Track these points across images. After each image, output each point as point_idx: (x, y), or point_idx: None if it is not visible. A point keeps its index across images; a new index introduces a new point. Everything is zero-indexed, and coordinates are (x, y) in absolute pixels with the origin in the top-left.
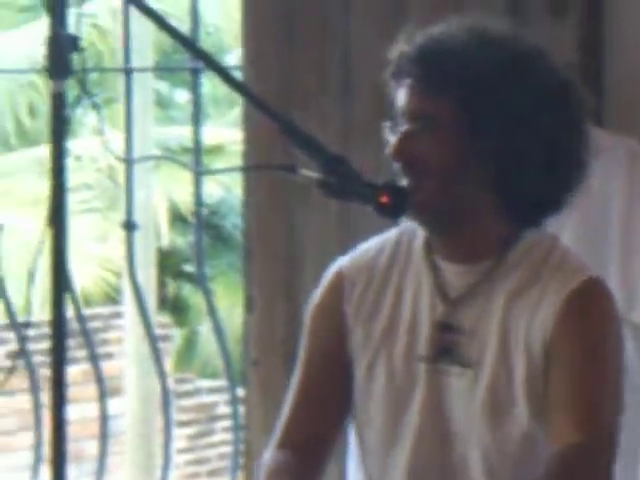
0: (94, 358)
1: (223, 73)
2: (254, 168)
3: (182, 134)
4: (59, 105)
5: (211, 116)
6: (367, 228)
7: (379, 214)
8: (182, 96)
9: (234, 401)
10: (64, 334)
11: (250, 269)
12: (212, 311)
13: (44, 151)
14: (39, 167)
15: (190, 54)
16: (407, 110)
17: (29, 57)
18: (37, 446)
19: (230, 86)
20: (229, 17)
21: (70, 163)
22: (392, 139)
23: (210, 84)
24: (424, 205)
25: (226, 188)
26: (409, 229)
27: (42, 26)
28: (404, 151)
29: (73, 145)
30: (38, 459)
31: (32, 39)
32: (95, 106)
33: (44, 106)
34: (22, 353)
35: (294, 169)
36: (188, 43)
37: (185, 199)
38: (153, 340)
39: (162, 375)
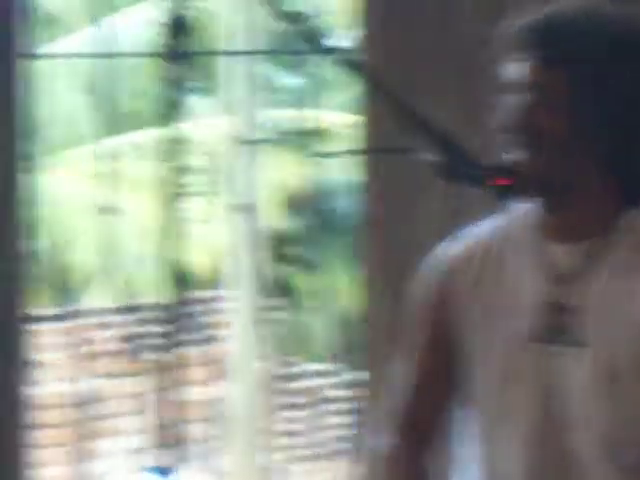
0: (204, 341)
1: (341, 56)
2: (373, 151)
3: (288, 117)
4: (174, 88)
5: (319, 99)
6: (483, 211)
7: (496, 197)
8: (288, 79)
9: (347, 385)
10: (177, 318)
11: (365, 252)
12: (326, 297)
13: (148, 134)
14: (142, 150)
15: (305, 37)
16: (519, 82)
17: (134, 41)
18: (145, 429)
19: (349, 69)
20: None
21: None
22: (503, 111)
23: (318, 67)
24: (534, 176)
25: (335, 171)
26: (515, 212)
27: (147, 9)
28: (516, 121)
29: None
30: (146, 442)
31: (137, 22)
32: (209, 89)
33: (149, 89)
34: (133, 337)
35: (412, 152)
36: (303, 26)
37: (291, 182)
38: (261, 324)
39: (270, 359)
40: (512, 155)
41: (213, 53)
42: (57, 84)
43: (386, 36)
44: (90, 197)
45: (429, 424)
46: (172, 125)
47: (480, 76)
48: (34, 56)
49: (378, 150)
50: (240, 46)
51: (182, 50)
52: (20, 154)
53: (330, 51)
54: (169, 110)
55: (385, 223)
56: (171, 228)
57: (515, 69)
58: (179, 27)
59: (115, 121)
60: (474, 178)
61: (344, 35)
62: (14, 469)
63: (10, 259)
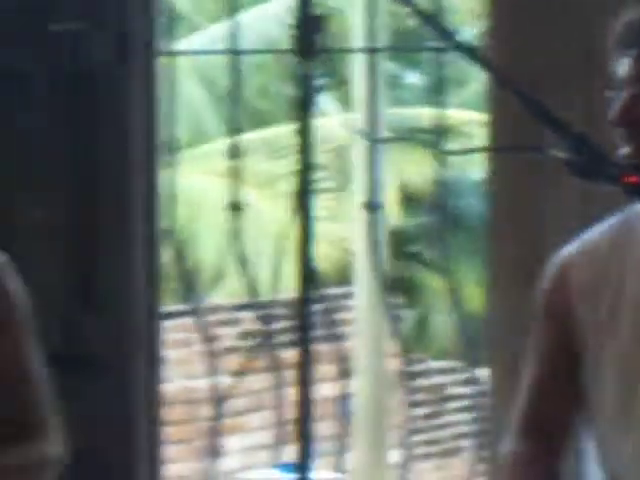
0: (331, 339)
1: (472, 53)
2: (500, 149)
3: (411, 115)
4: (306, 85)
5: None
6: (611, 209)
7: (627, 194)
8: (412, 77)
9: (472, 382)
10: (309, 314)
11: (491, 250)
12: (454, 296)
13: (274, 132)
14: (269, 148)
15: (436, 34)
16: (632, 76)
17: (262, 37)
18: (278, 426)
19: (479, 66)
20: None
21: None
22: (614, 106)
23: (443, 64)
24: None
25: (456, 168)
26: (631, 213)
27: (271, 7)
28: (627, 114)
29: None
30: (279, 439)
31: (264, 19)
32: (334, 87)
33: (274, 87)
34: (261, 334)
35: (541, 149)
36: (435, 23)
37: (415, 179)
38: (388, 321)
39: (394, 356)
40: (623, 150)
41: (344, 50)
42: (183, 81)
43: (513, 32)
44: (217, 194)
45: (554, 427)
46: (301, 122)
47: (606, 75)
48: (170, 53)
49: (506, 148)
50: (364, 44)
51: (314, 47)
52: (157, 152)
53: (460, 47)
54: (299, 107)
55: (511, 221)
56: (300, 225)
57: (623, 64)
58: (311, 24)
59: (241, 118)
60: (608, 176)
61: (469, 31)
62: (147, 465)
63: (147, 255)
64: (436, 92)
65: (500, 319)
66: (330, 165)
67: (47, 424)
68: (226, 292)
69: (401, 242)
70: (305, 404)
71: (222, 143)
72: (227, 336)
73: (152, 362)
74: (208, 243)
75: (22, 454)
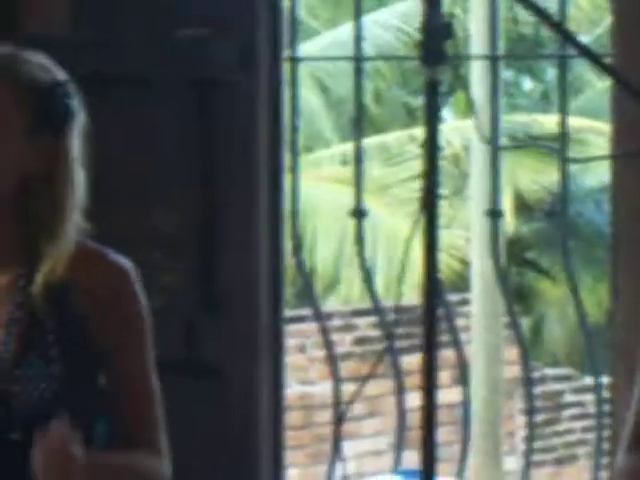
0: (453, 345)
1: (598, 60)
2: (627, 156)
3: (525, 122)
4: (433, 92)
5: (554, 104)
6: None
7: None
8: (527, 84)
9: (587, 390)
10: (434, 320)
11: (617, 256)
12: (576, 304)
13: (387, 138)
14: (384, 154)
15: (565, 42)
16: None
17: (373, 44)
18: (400, 431)
19: (605, 73)
20: (574, 4)
21: (416, 150)
22: None
23: (553, 72)
24: None
25: (570, 175)
26: None
27: (385, 14)
28: None
29: (418, 132)
30: (400, 445)
31: (377, 26)
32: (453, 93)
33: (389, 93)
34: (376, 339)
35: None
36: (562, 30)
37: (528, 186)
38: (501, 328)
39: (510, 363)
40: None
41: (469, 57)
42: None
43: (636, 38)
44: (330, 200)
45: None
46: (428, 129)
47: None
48: (296, 60)
49: (630, 154)
50: (482, 51)
51: (442, 54)
52: (282, 159)
53: (587, 54)
54: (425, 115)
55: (635, 231)
56: (424, 232)
57: None
58: (439, 31)
59: (357, 124)
60: None
61: (584, 38)
62: (271, 470)
63: (271, 260)
64: (559, 99)
65: (623, 328)
66: (444, 172)
67: (160, 441)
68: (339, 298)
69: (515, 249)
70: (429, 410)
71: (335, 149)
72: (341, 342)
73: (276, 366)
74: (322, 249)
75: (138, 459)
